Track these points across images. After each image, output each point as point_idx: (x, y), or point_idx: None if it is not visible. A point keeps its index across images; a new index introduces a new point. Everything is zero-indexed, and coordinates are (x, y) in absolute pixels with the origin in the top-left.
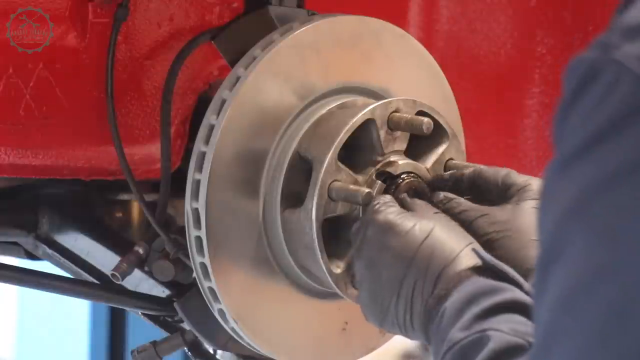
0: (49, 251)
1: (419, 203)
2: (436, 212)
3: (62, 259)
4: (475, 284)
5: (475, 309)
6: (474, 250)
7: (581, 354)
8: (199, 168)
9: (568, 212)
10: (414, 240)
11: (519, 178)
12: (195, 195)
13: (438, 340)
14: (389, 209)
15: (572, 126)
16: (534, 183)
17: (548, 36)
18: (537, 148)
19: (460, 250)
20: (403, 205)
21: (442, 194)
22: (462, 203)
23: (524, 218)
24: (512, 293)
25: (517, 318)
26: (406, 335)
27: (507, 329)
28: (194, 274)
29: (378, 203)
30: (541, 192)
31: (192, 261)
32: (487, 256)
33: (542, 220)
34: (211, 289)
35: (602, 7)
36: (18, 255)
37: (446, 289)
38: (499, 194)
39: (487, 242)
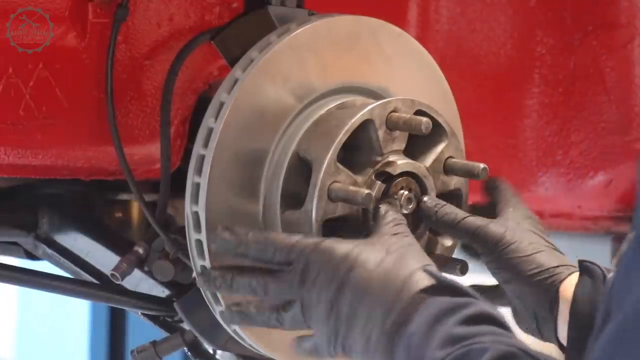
0: (49, 251)
1: (388, 220)
2: (395, 234)
3: (62, 259)
4: (437, 303)
5: (448, 326)
6: (426, 271)
7: None
8: (198, 171)
9: None
10: (366, 272)
11: (504, 192)
12: (195, 199)
13: None
14: (337, 245)
15: None
16: (513, 200)
17: (548, 36)
18: (537, 148)
19: (412, 272)
20: (375, 216)
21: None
22: (463, 212)
23: (523, 230)
24: (477, 306)
25: (493, 329)
26: None
27: (489, 341)
28: (194, 274)
29: (323, 241)
30: None
31: (193, 264)
32: (441, 275)
33: None
34: (213, 292)
35: (602, 7)
36: (18, 255)
37: (405, 315)
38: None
39: (497, 242)
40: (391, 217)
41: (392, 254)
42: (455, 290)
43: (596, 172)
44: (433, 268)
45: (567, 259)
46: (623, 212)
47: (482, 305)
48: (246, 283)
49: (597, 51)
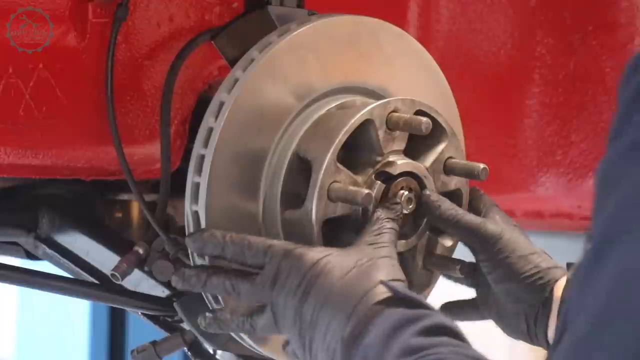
0: (49, 251)
1: (373, 228)
2: (372, 244)
3: (62, 259)
4: (393, 315)
5: (405, 337)
6: (382, 283)
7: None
8: (198, 171)
9: (634, 196)
10: (332, 280)
11: (484, 198)
12: (195, 198)
13: None
14: (308, 253)
15: None
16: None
17: (548, 36)
18: (537, 148)
19: (374, 286)
20: (364, 218)
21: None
22: (464, 210)
23: (512, 231)
24: (434, 317)
25: (450, 340)
26: None
27: (447, 351)
28: None
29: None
30: (600, 176)
31: (192, 264)
32: (398, 287)
33: (601, 203)
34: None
35: (602, 7)
36: (18, 256)
37: (362, 326)
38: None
39: (495, 240)
40: (377, 226)
41: (360, 266)
42: (411, 302)
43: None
44: (394, 282)
45: (549, 257)
46: None
47: (439, 317)
48: (220, 283)
49: (597, 51)
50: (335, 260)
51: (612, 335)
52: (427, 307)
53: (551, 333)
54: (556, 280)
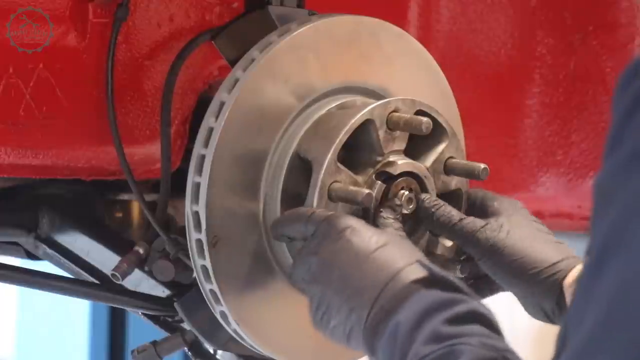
0: (49, 251)
1: (387, 222)
2: (397, 230)
3: (62, 259)
4: (428, 297)
5: (436, 322)
6: (419, 262)
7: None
8: (199, 171)
9: (634, 205)
10: (367, 248)
11: (495, 197)
12: (196, 198)
13: (391, 356)
14: (349, 217)
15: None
16: (506, 201)
17: (548, 36)
18: (537, 148)
19: (409, 263)
20: (374, 220)
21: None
22: (460, 215)
23: (521, 226)
24: (469, 304)
25: (481, 330)
26: (344, 342)
27: (475, 342)
28: (194, 274)
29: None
30: (600, 186)
31: (193, 264)
32: (435, 268)
33: (601, 212)
34: (212, 292)
35: (603, 7)
36: (18, 255)
37: (394, 302)
38: (478, 213)
39: (494, 246)
40: (391, 227)
41: (393, 243)
42: (447, 285)
43: (596, 172)
44: (427, 261)
45: (563, 246)
46: None
47: (473, 304)
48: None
49: (598, 51)
50: (372, 231)
51: (612, 344)
52: (462, 291)
53: None
54: (568, 272)
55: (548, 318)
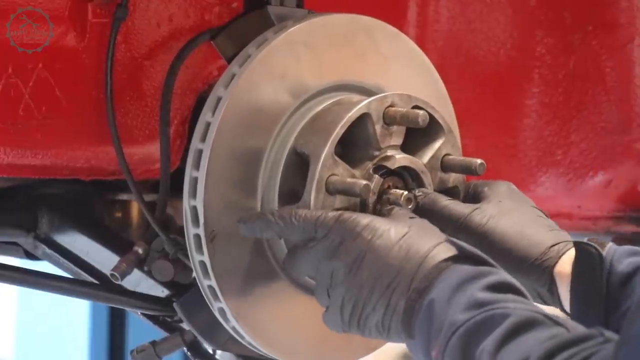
0: (49, 251)
1: (396, 211)
2: (412, 217)
3: (62, 259)
4: (459, 271)
5: (472, 290)
6: (448, 241)
7: None
8: (196, 166)
9: None
10: (389, 242)
11: (486, 183)
12: (193, 193)
13: (428, 332)
14: (359, 215)
15: None
16: (497, 185)
17: (547, 36)
18: (537, 148)
19: (435, 245)
20: (382, 214)
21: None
22: (451, 201)
23: (512, 210)
24: (499, 275)
25: (515, 297)
26: (384, 337)
27: (513, 307)
28: (194, 274)
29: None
30: None
31: (191, 259)
32: (464, 245)
33: None
34: (211, 287)
35: (602, 7)
36: (17, 255)
37: (427, 282)
38: (470, 200)
39: (486, 231)
40: (403, 211)
41: (414, 229)
42: (477, 260)
43: (596, 172)
44: (455, 240)
45: (555, 230)
46: (623, 212)
47: (504, 275)
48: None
49: (597, 51)
50: (388, 224)
51: None
52: (491, 264)
53: (566, 302)
54: (558, 259)
55: (544, 301)
